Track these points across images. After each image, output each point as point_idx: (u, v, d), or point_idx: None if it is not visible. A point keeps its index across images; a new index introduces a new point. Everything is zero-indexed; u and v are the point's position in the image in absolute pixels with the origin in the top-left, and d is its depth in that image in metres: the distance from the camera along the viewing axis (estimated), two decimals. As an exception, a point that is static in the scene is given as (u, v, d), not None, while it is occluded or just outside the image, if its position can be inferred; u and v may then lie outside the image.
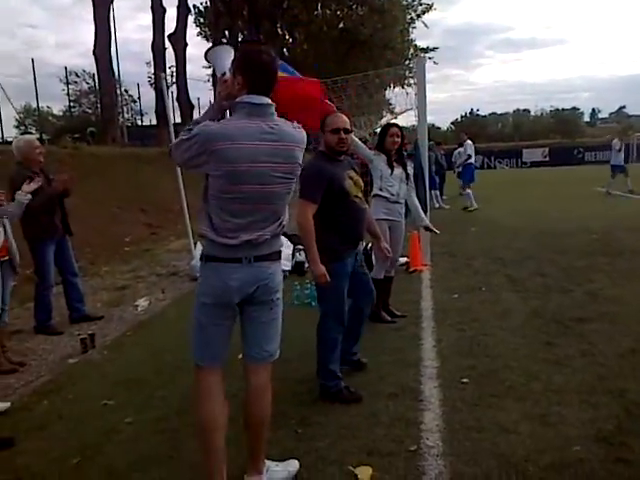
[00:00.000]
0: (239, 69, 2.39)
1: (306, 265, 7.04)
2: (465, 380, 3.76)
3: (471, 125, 54.86)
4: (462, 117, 65.45)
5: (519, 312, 5.19)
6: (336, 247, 3.50)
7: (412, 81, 30.43)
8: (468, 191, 13.69)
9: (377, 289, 4.97)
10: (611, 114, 74.25)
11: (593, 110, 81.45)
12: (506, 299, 5.65)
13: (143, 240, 10.69)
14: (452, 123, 64.33)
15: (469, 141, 14.10)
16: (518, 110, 69.54)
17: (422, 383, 3.78)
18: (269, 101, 2.39)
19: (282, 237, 6.87)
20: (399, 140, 4.96)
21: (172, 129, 7.63)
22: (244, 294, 2.41)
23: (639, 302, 5.28)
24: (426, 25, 34.87)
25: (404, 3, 34.66)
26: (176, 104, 25.93)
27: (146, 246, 10.22)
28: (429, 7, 35.13)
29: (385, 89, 35.59)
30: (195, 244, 7.50)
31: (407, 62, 36.72)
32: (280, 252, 2.55)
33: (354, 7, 34.46)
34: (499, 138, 53.80)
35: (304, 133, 2.50)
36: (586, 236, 8.97)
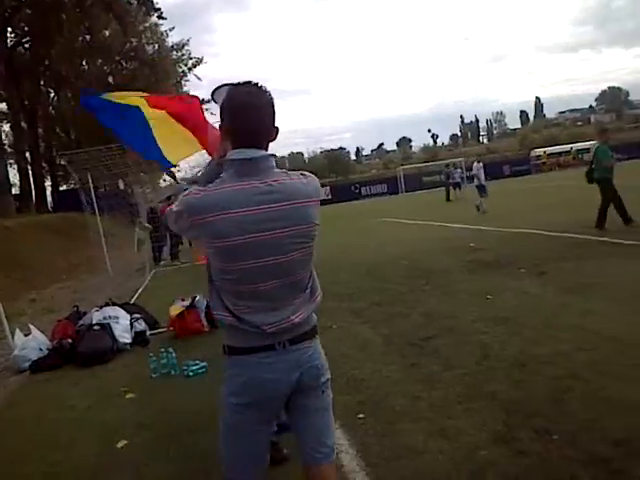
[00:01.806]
0: (222, 117, 2.00)
1: (148, 333, 6.73)
2: (361, 415, 3.95)
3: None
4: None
5: (375, 342, 5.58)
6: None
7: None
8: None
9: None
10: (372, 151, 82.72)
11: (357, 149, 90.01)
12: (358, 332, 6.02)
13: None
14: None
15: None
16: (292, 153, 73.95)
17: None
18: (263, 153, 1.94)
19: (117, 308, 6.54)
20: None
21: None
22: (287, 386, 2.01)
23: (466, 313, 6.01)
24: (199, 78, 35.57)
25: (174, 57, 34.99)
26: None
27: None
28: (199, 60, 36.01)
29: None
30: (13, 332, 6.65)
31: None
32: (316, 327, 2.13)
33: (122, 62, 33.85)
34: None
35: (316, 183, 2.05)
36: (397, 262, 9.92)
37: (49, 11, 27.06)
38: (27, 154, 30.06)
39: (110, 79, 32.67)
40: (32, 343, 6.34)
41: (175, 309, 6.75)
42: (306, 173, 2.06)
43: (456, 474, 3.06)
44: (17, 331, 6.55)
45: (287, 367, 1.99)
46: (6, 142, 30.45)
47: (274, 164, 1.97)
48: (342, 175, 52.14)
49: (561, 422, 3.41)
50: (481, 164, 18.51)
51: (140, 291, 10.41)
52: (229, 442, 2.09)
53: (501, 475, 2.99)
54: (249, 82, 1.97)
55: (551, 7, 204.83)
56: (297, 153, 66.64)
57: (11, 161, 29.85)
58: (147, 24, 33.22)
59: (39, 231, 17.81)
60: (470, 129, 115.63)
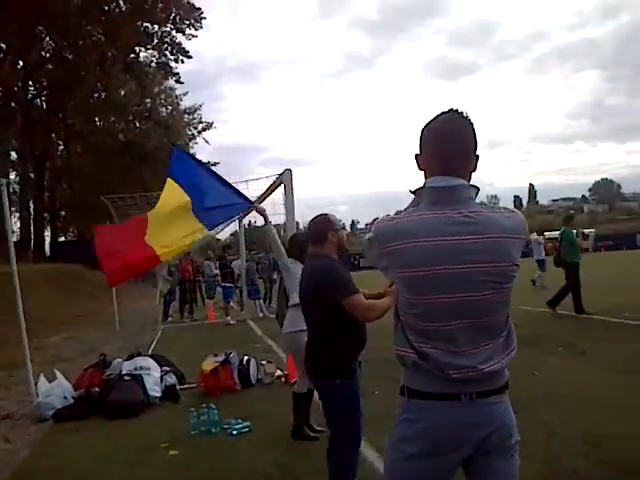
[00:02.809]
0: (420, 145, 1.89)
1: (178, 387, 6.46)
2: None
3: (251, 235, 57.07)
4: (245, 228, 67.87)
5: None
6: (346, 358, 3.26)
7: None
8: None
9: (299, 403, 4.81)
10: (366, 225, 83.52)
11: (352, 221, 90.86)
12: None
13: None
14: (231, 234, 66.03)
15: None
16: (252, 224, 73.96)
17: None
18: (461, 182, 1.80)
19: (148, 359, 6.32)
20: None
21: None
22: (469, 442, 1.79)
23: (517, 390, 5.80)
24: (207, 141, 36.27)
25: (185, 120, 35.84)
26: None
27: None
28: (209, 125, 36.84)
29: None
30: (37, 377, 6.33)
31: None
32: (508, 382, 1.88)
33: (136, 121, 34.62)
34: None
35: (519, 218, 1.84)
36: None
37: (72, 68, 27.86)
38: (30, 202, 30.06)
39: (121, 136, 33.23)
40: (57, 390, 6.03)
41: (208, 364, 6.49)
42: (510, 208, 1.90)
43: None
44: (42, 377, 6.24)
45: (472, 421, 1.77)
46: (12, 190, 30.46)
47: (473, 195, 1.82)
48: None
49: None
50: (541, 238, 17.90)
51: (153, 346, 10.07)
52: None
53: None
54: (450, 109, 1.85)
55: (548, 100, 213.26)
56: (255, 226, 66.95)
57: (13, 208, 29.81)
58: (163, 87, 34.21)
59: (38, 279, 17.44)
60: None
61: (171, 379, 6.43)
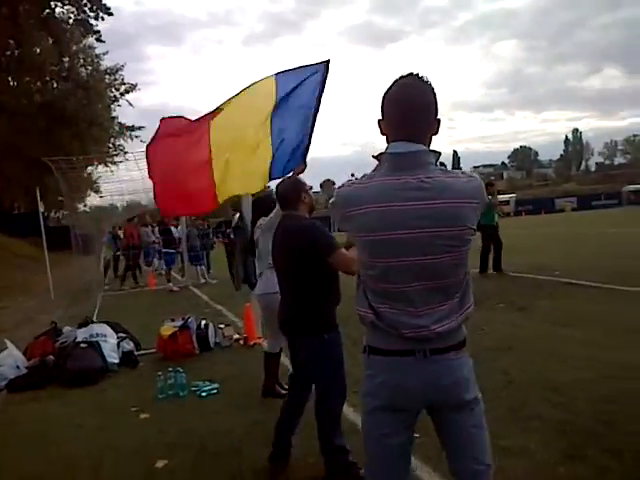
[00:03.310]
0: (381, 111, 1.90)
1: (135, 353, 6.36)
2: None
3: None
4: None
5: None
6: (330, 313, 3.34)
7: (117, 159, 30.05)
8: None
9: (271, 363, 4.88)
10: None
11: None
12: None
13: None
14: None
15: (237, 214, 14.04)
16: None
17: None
18: (420, 147, 1.82)
19: (104, 326, 6.19)
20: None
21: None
22: (423, 396, 1.88)
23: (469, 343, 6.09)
24: (131, 104, 34.79)
25: (107, 81, 34.19)
26: None
27: None
28: (133, 87, 35.33)
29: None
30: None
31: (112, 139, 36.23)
32: (465, 340, 1.95)
33: (52, 81, 32.69)
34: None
35: (477, 183, 1.86)
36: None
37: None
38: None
39: (38, 97, 31.33)
40: (9, 360, 5.79)
41: (166, 329, 6.41)
42: (468, 172, 1.92)
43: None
44: (9, 344, 5.97)
45: (425, 377, 1.85)
46: None
47: (433, 160, 1.84)
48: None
49: (630, 440, 3.49)
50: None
51: (96, 313, 9.78)
52: (367, 446, 1.98)
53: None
54: (410, 74, 1.87)
55: (469, 68, 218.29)
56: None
57: None
58: (81, 45, 32.37)
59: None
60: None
61: (128, 345, 6.31)
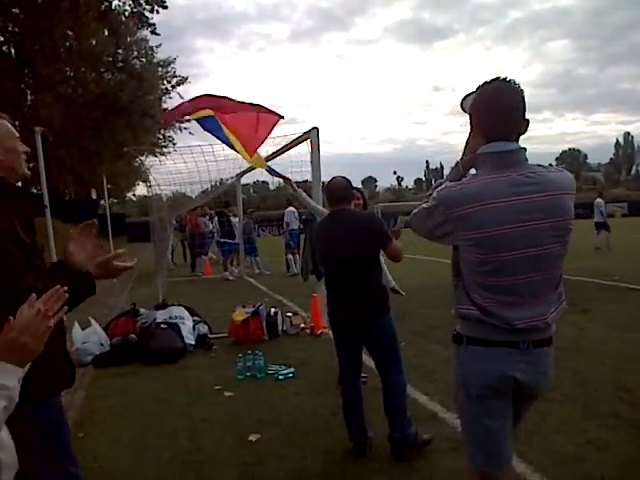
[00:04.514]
0: (473, 113, 2.04)
1: (210, 336, 6.64)
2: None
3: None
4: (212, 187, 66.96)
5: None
6: (387, 299, 3.65)
7: (165, 150, 30.72)
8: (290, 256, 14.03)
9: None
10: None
11: (323, 183, 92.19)
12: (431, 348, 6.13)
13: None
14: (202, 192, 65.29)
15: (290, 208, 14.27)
16: (257, 182, 73.49)
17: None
18: (517, 145, 1.96)
19: (182, 309, 6.46)
20: (361, 202, 5.10)
21: None
22: (521, 387, 2.00)
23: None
24: (181, 96, 35.36)
25: (159, 73, 34.90)
26: None
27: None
28: (184, 79, 35.96)
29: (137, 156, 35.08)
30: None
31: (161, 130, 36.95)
32: (553, 337, 2.07)
33: (107, 72, 33.55)
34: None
35: (570, 176, 2.03)
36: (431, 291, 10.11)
37: (42, 14, 26.67)
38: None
39: (93, 87, 32.20)
40: (93, 337, 6.15)
41: (239, 315, 6.69)
42: (558, 167, 2.08)
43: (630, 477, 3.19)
44: (75, 324, 6.33)
45: (528, 369, 1.97)
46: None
47: (526, 157, 1.98)
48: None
49: None
50: (602, 201, 17.73)
51: (161, 298, 10.16)
52: (474, 430, 2.08)
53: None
54: (498, 78, 1.99)
55: (516, 69, 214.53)
56: (262, 182, 66.41)
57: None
58: (136, 37, 33.10)
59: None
60: (435, 175, 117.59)
61: (203, 329, 6.61)
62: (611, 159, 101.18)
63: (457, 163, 2.18)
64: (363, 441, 3.65)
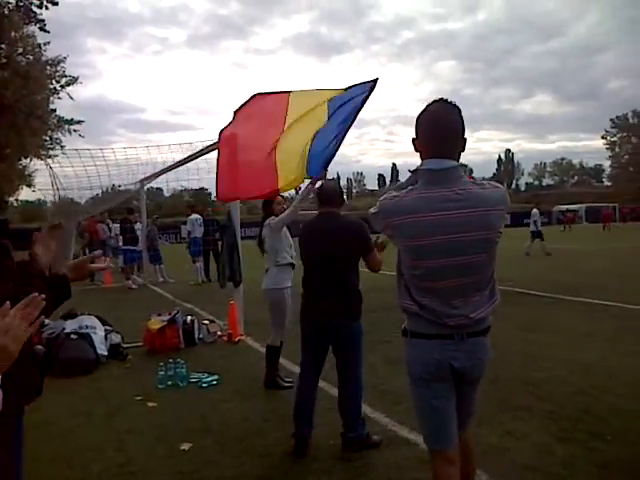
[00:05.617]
0: (415, 131, 2.22)
1: (123, 346, 6.43)
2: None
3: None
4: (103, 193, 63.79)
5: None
6: (360, 304, 3.73)
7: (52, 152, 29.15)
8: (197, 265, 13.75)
9: (273, 356, 5.11)
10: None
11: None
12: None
13: None
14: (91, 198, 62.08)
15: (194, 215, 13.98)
16: (151, 188, 71.23)
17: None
18: (452, 163, 2.13)
19: (93, 318, 6.25)
20: (284, 207, 5.09)
21: None
22: (460, 372, 2.24)
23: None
24: (71, 97, 33.66)
25: (47, 72, 33.02)
26: None
27: None
28: (74, 79, 34.25)
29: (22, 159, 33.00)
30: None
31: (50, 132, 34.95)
32: (490, 327, 2.31)
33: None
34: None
35: (501, 192, 2.20)
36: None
37: None
38: None
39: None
40: (-4, 350, 5.71)
41: (155, 323, 6.51)
42: (494, 183, 2.26)
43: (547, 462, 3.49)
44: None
45: (462, 356, 2.22)
46: None
47: (462, 173, 2.18)
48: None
49: (608, 425, 3.99)
50: (537, 212, 18.80)
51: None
52: (426, 412, 2.31)
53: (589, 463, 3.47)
54: (440, 99, 2.19)
55: (409, 86, 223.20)
56: (157, 189, 64.48)
57: None
58: (22, 33, 31.14)
59: None
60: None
61: (116, 338, 6.36)
62: (494, 174, 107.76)
63: (412, 172, 2.39)
64: (306, 438, 3.71)
